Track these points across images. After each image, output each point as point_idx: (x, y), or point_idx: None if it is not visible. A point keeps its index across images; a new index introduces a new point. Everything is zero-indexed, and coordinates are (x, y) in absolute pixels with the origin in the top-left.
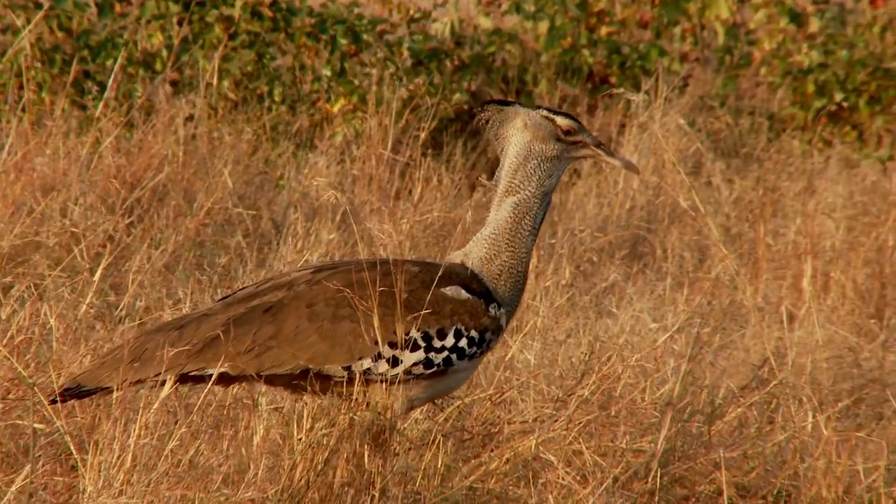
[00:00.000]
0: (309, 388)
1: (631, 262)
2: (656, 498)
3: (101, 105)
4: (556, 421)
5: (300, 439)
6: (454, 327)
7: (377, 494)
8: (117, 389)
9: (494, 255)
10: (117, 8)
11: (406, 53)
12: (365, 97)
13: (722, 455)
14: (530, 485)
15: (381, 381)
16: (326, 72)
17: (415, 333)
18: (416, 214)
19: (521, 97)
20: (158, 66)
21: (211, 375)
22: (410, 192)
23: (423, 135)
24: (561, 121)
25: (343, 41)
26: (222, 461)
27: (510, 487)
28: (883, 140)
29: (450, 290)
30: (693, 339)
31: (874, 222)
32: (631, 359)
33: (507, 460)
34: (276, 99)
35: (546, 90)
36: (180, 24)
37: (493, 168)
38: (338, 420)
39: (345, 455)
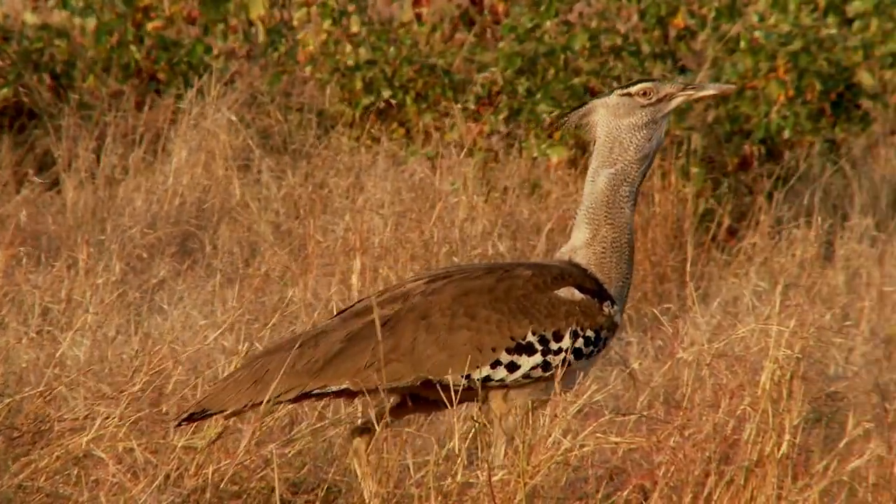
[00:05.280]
0: (432, 396)
1: (181, 258)
2: (208, 495)
3: None
4: (107, 418)
5: None
6: (570, 328)
7: None
8: (240, 412)
9: (595, 232)
10: None
11: None
12: None
13: (273, 451)
14: (81, 482)
15: (500, 387)
16: None
17: (531, 338)
18: None
19: (69, 93)
20: None
21: (333, 392)
22: None
23: None
24: (635, 89)
25: None
26: None
27: (61, 485)
28: (430, 137)
29: (563, 292)
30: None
31: (421, 218)
32: (182, 356)
33: (58, 458)
34: None
35: (94, 86)
36: None
37: (40, 165)
38: None
39: None
